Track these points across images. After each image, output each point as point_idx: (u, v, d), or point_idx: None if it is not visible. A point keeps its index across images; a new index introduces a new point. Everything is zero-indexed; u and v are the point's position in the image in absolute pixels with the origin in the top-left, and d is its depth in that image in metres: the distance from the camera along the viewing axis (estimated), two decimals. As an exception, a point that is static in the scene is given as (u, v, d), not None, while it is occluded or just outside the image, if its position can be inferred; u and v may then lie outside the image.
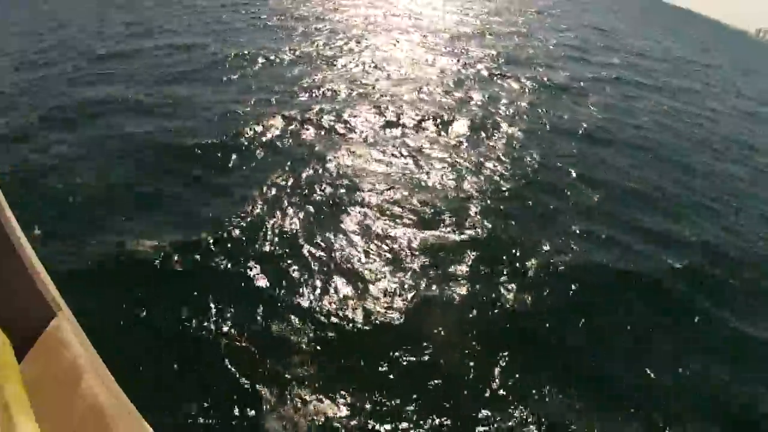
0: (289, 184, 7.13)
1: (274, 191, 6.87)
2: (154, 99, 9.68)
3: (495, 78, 13.80)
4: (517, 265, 5.96)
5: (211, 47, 13.47)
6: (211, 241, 5.83)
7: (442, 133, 9.61)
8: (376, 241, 6.10)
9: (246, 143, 8.14)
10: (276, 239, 6.03)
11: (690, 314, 5.81)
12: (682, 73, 21.83)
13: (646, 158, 10.19)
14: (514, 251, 6.16)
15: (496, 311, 5.27)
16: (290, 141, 8.48)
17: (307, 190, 7.04)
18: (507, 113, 11.18)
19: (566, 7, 41.01)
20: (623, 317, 5.54)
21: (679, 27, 59.04)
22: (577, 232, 6.86)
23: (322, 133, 8.90)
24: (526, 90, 13.26)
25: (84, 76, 11.23)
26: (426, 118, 10.04)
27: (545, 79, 14.38)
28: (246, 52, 12.99)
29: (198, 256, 5.66)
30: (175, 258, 5.53)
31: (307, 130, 8.91)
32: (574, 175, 8.60)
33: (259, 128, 8.60)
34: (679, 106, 15.20)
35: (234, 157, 7.68)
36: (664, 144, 11.25)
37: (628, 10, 59.38)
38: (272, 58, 12.83)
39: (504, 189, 7.73)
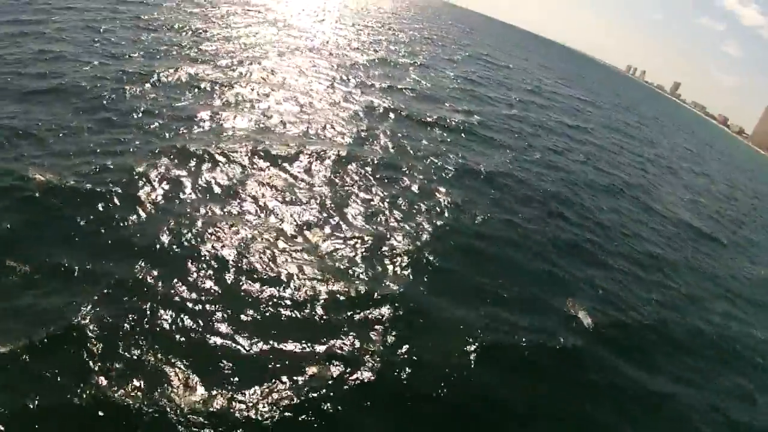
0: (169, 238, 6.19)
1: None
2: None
3: (395, 113, 13.64)
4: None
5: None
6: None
7: (333, 173, 8.94)
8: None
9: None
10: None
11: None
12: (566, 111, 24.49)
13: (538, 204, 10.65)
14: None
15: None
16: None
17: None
18: (410, 153, 11.02)
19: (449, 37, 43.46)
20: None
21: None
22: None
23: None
24: (429, 129, 13.38)
25: None
26: (317, 155, 9.40)
27: (449, 119, 14.66)
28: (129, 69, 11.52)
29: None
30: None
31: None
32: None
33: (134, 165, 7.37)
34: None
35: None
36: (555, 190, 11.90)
37: (514, 47, 65.50)
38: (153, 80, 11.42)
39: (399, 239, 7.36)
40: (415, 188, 9.32)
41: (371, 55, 21.47)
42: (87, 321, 4.50)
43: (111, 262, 5.35)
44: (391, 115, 13.32)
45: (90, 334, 4.37)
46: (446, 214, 8.69)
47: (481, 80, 23.84)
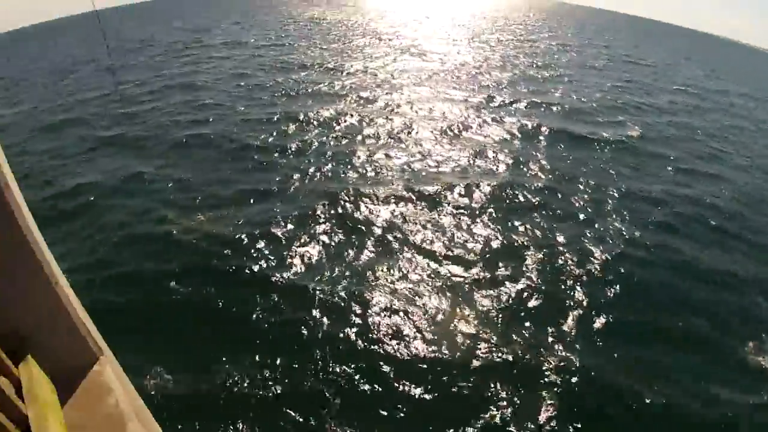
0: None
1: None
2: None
3: (546, 132, 13.03)
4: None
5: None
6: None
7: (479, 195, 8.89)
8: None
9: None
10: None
11: None
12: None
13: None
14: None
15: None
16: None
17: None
18: (569, 177, 10.29)
19: (584, 41, 40.00)
20: None
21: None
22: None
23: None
24: (586, 147, 12.44)
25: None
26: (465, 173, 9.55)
27: (605, 133, 13.47)
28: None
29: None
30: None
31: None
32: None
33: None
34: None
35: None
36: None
37: (650, 40, 58.58)
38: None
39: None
40: (581, 216, 8.67)
41: (510, 71, 20.99)
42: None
43: (265, 311, 5.82)
44: (542, 135, 12.79)
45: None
46: (619, 248, 7.80)
47: (630, 85, 21.86)
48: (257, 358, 5.04)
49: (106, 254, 6.71)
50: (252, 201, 8.36)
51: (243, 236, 7.12)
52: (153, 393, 4.52)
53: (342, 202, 8.26)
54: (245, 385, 4.70)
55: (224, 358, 4.94)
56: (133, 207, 8.10)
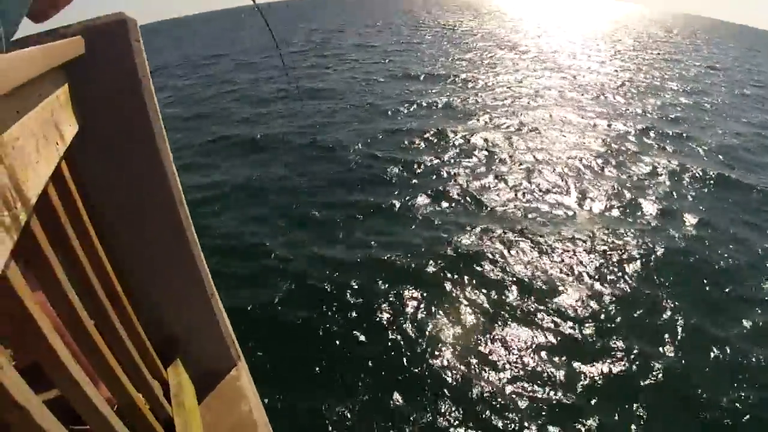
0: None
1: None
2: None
3: (703, 183, 11.10)
4: None
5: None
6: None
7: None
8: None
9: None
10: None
11: None
12: None
13: None
14: None
15: None
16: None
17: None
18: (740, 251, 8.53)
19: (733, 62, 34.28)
20: None
21: None
22: None
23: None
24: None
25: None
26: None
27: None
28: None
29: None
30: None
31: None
32: None
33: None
34: None
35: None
36: None
37: None
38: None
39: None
40: (726, 277, 7.16)
41: (658, 99, 18.57)
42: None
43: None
44: (698, 184, 10.81)
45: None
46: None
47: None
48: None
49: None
50: (363, 220, 8.36)
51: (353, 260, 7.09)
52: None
53: (462, 241, 7.71)
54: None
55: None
56: (238, 216, 8.48)
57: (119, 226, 1.42)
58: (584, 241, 7.87)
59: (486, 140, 12.16)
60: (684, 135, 14.04)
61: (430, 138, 12.19)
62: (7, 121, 0.66)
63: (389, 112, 14.28)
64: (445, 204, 9.03)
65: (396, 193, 9.30)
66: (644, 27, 67.29)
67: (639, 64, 27.60)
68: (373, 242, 7.57)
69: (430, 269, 6.91)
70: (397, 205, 8.83)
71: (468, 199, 9.25)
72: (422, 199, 9.11)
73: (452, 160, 10.91)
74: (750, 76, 28.88)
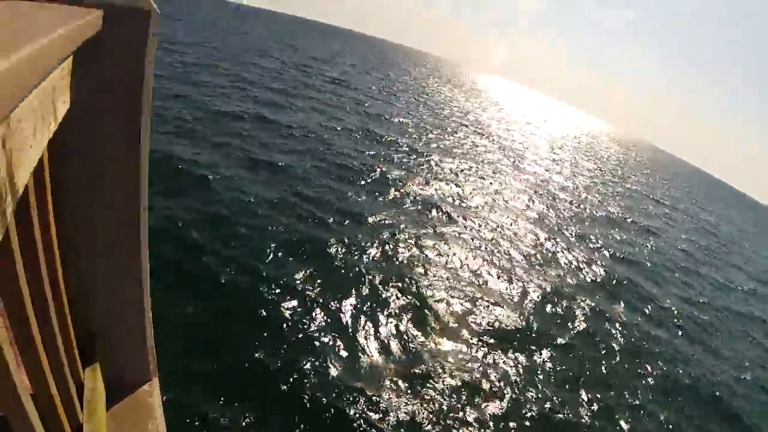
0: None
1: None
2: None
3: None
4: None
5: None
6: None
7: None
8: None
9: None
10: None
11: None
12: None
13: None
14: None
15: None
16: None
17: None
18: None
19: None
20: None
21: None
22: None
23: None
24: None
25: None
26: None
27: None
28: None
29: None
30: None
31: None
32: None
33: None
34: None
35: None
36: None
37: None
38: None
39: None
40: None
41: (608, 227, 17.77)
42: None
43: None
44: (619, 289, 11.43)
45: None
46: None
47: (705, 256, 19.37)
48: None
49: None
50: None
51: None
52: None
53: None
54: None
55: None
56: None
57: (72, 210, 1.32)
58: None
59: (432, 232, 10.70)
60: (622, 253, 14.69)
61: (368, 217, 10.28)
62: (18, 91, 0.52)
63: (337, 172, 12.53)
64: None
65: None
66: (608, 146, 72.34)
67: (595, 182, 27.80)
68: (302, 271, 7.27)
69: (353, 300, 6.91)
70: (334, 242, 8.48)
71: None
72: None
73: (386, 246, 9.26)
74: (691, 216, 30.48)
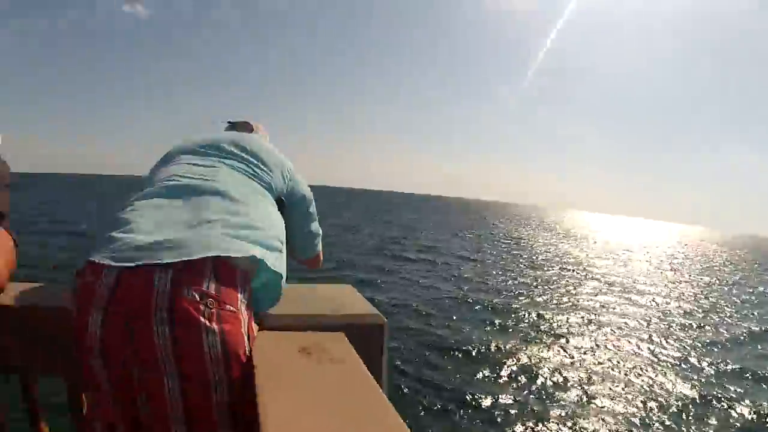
0: None
1: None
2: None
3: None
4: None
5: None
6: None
7: None
8: None
9: None
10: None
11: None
12: None
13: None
14: None
15: None
16: None
17: None
18: None
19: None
20: None
21: None
22: None
23: None
24: None
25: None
26: None
27: None
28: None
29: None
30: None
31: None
32: None
33: None
34: None
35: None
36: None
37: None
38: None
39: None
40: None
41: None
42: None
43: None
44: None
45: None
46: None
47: None
48: None
49: None
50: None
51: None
52: None
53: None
54: None
55: None
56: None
57: None
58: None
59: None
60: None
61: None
62: None
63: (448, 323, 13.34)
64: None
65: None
66: (713, 249, 64.47)
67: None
68: None
69: None
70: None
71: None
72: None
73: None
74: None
